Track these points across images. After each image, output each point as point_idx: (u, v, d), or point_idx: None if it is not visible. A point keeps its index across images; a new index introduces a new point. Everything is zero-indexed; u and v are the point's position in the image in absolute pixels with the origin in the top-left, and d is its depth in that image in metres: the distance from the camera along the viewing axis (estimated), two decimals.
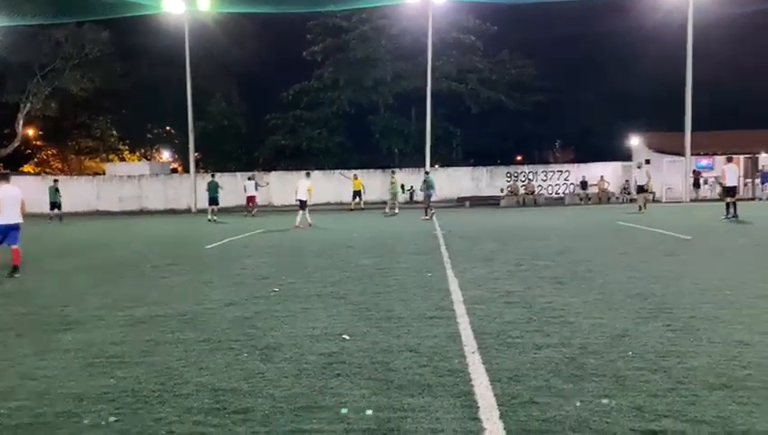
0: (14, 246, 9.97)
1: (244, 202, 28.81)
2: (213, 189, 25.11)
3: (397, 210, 26.43)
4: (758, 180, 32.13)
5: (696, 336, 5.24)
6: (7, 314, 6.93)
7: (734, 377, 4.20)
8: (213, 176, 27.65)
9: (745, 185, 34.27)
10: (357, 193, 31.05)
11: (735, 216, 17.60)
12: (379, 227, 19.48)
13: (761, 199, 30.69)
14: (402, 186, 36.68)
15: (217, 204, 25.03)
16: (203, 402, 4.00)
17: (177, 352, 5.20)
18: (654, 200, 32.99)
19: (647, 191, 24.08)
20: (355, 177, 32.06)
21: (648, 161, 31.35)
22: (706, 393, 3.91)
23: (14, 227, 9.92)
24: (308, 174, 22.43)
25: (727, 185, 18.49)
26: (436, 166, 39.23)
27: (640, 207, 22.95)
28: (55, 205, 27.76)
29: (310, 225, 19.67)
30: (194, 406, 3.94)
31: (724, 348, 4.87)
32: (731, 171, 18.55)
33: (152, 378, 4.52)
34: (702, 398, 3.84)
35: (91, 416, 3.81)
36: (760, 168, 32.28)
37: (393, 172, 29.14)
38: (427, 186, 22.90)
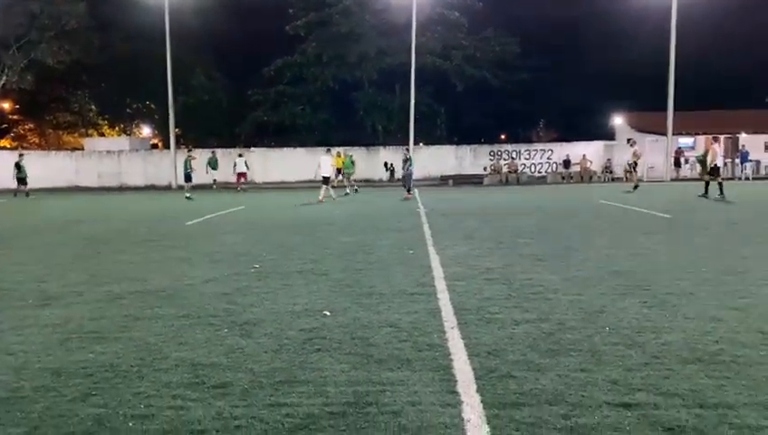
0: None
1: (226, 179, 29.00)
2: (187, 166, 24.87)
3: (347, 190, 25.02)
4: (738, 160, 32.52)
5: (672, 312, 5.32)
6: None
7: (707, 351, 4.28)
8: (189, 151, 27.74)
9: (725, 165, 34.71)
10: (339, 171, 30.96)
11: (722, 194, 17.83)
12: (361, 204, 19.47)
13: (740, 179, 31.09)
14: (385, 163, 36.63)
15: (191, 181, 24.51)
16: (182, 377, 3.99)
17: (156, 327, 5.18)
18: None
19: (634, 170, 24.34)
20: (338, 154, 31.93)
21: (629, 140, 31.57)
22: (680, 367, 3.98)
23: None
24: (328, 150, 22.54)
25: (716, 165, 18.79)
26: (420, 144, 39.14)
27: (636, 185, 23.27)
28: (22, 180, 27.15)
29: (333, 199, 20.60)
30: (173, 380, 3.93)
31: (698, 323, 4.95)
32: (717, 151, 18.91)
33: (131, 353, 4.50)
34: (676, 372, 3.91)
35: (68, 390, 3.79)
36: (740, 147, 32.66)
37: (337, 150, 27.52)
38: (409, 164, 22.45)
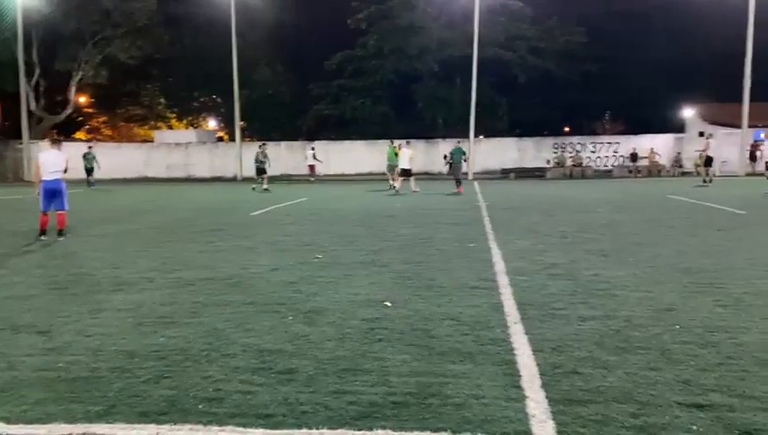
0: (60, 211, 10.29)
1: (286, 171, 29.49)
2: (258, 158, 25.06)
3: (395, 184, 22.28)
4: None
5: (748, 312, 5.09)
6: (63, 275, 7.20)
7: None
8: (262, 145, 27.19)
9: None
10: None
11: None
12: (421, 197, 19.43)
13: None
14: (445, 156, 36.39)
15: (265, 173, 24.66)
16: (249, 362, 4.10)
17: (224, 313, 5.34)
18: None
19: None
20: (399, 147, 32.00)
21: (702, 133, 30.27)
22: (757, 369, 3.81)
23: (58, 191, 10.19)
24: (408, 142, 22.54)
25: None
26: (480, 136, 38.68)
27: (704, 180, 22.45)
28: (89, 171, 27.77)
29: (414, 192, 20.68)
30: (240, 365, 4.05)
31: None
32: None
33: (200, 338, 4.65)
34: (752, 374, 3.74)
35: (142, 372, 3.95)
36: None
37: (392, 141, 24.95)
38: (460, 157, 21.61)
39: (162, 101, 50.25)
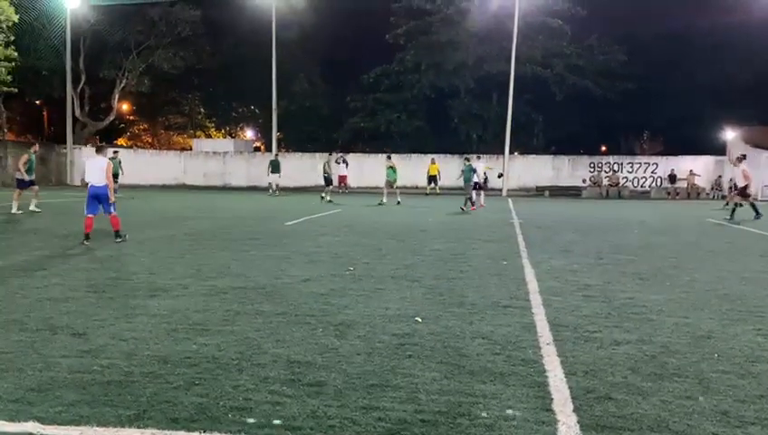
0: (109, 214, 10.61)
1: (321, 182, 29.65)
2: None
3: (385, 199, 22.69)
4: None
5: None
6: (100, 278, 7.36)
7: None
8: (331, 154, 28.16)
9: None
10: (432, 178, 30.97)
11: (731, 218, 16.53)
12: (454, 212, 19.35)
13: None
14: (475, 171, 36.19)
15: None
16: (279, 373, 4.12)
17: (256, 323, 5.38)
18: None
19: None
20: (432, 161, 32.00)
21: (744, 156, 29.57)
22: None
23: (103, 196, 10.43)
24: (479, 157, 23.19)
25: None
26: (515, 153, 38.44)
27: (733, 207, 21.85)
28: (116, 176, 28.20)
29: (481, 205, 21.21)
30: (270, 376, 4.07)
31: None
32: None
33: (232, 346, 4.69)
34: None
35: (174, 378, 4.00)
36: None
37: (389, 157, 24.40)
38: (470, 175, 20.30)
39: (202, 110, 51.26)
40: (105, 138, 45.71)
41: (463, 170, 21.01)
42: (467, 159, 21.82)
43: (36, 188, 16.59)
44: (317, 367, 4.24)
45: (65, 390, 3.78)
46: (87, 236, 10.35)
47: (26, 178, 16.01)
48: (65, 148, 36.77)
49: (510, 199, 27.72)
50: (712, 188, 32.67)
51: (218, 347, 4.67)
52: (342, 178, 28.77)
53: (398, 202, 22.48)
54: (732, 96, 39.32)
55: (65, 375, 4.03)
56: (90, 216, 10.40)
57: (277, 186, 29.15)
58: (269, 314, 5.66)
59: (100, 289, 6.71)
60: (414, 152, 37.59)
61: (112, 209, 10.64)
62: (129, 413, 3.44)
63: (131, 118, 52.04)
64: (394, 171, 22.51)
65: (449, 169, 33.20)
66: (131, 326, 5.23)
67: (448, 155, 35.95)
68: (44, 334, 4.95)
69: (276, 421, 3.35)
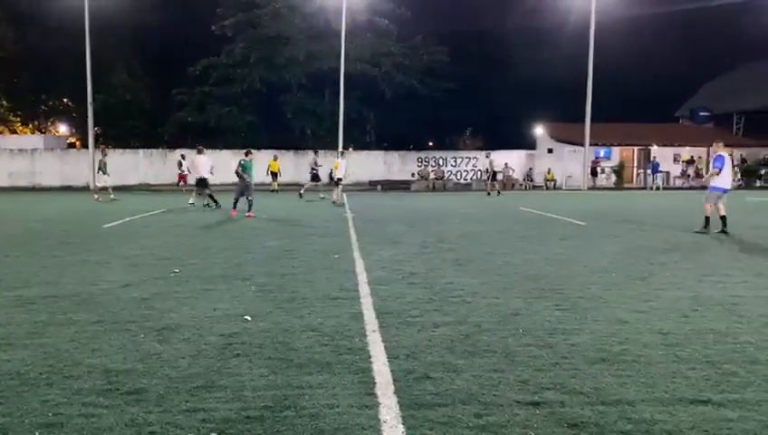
0: None
1: (146, 180, 27.97)
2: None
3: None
4: (649, 171, 34.35)
5: (582, 315, 5.59)
6: None
7: (611, 352, 4.53)
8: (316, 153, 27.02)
9: (638, 175, 36.68)
10: (274, 174, 30.66)
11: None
12: (289, 208, 19.33)
13: (651, 189, 32.84)
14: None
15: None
16: (94, 384, 3.88)
17: (69, 333, 4.99)
18: (555, 187, 34.74)
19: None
20: (275, 158, 31.64)
21: (550, 150, 33.03)
22: (586, 367, 4.20)
23: None
24: (342, 153, 23.72)
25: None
26: (350, 148, 39.18)
27: (489, 192, 26.66)
28: None
29: (341, 202, 21.34)
30: (84, 387, 3.81)
31: (605, 326, 5.23)
32: None
33: (40, 360, 4.32)
34: (582, 371, 4.12)
35: None
36: (651, 159, 34.52)
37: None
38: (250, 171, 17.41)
39: (4, 103, 45.95)
40: None
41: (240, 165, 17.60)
42: (342, 153, 24.37)
43: None
44: (137, 374, 4.05)
45: None
46: None
47: None
48: None
49: (344, 194, 28.20)
50: (524, 180, 35.80)
51: (24, 362, 4.28)
52: (182, 177, 27.29)
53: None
54: (543, 95, 43.41)
55: None
56: None
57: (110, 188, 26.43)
58: (84, 324, 5.28)
59: None
60: (245, 147, 36.72)
61: None
62: None
63: None
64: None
65: (284, 164, 32.98)
66: None
67: (283, 151, 35.68)
68: None
69: (90, 434, 3.17)
